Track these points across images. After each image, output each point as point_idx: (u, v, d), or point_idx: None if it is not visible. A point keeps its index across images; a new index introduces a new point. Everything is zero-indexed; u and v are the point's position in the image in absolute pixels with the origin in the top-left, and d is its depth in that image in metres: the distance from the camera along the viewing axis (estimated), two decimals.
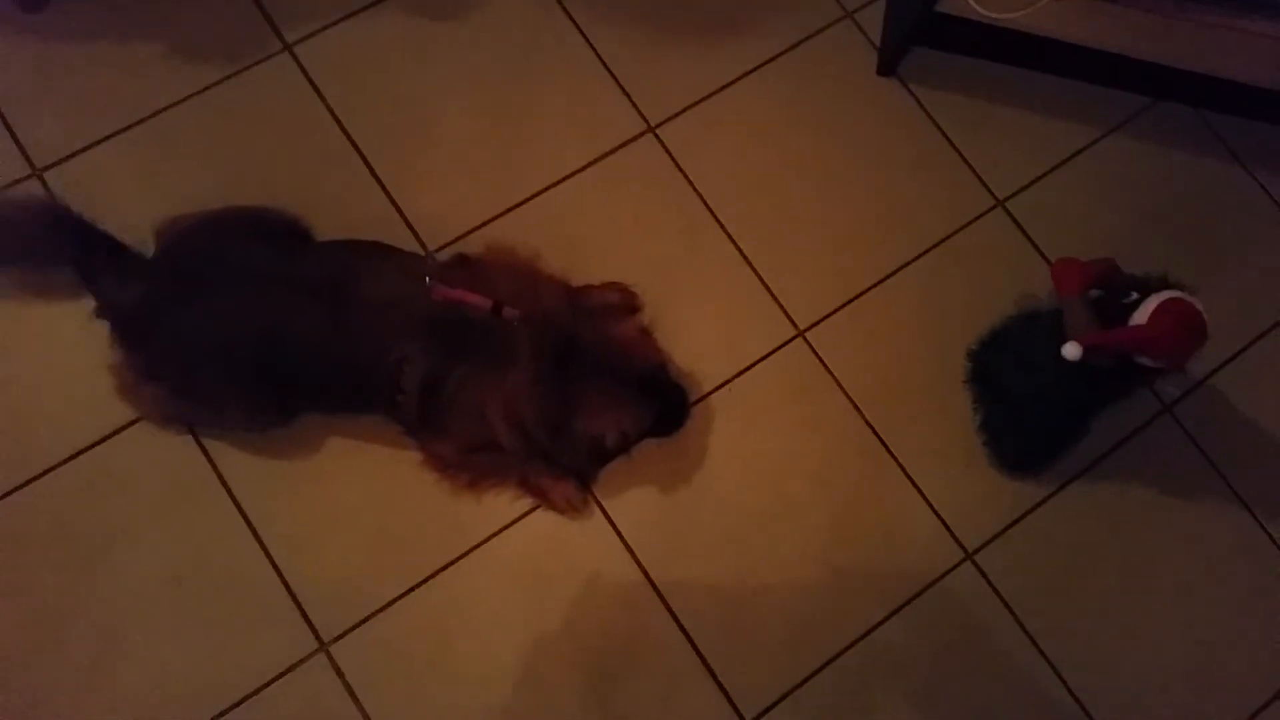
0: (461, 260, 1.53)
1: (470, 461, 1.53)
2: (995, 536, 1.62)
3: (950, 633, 1.57)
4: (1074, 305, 1.43)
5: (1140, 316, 1.38)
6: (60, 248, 1.47)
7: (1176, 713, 1.58)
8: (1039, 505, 1.65)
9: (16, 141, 1.62)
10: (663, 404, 1.52)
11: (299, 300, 1.41)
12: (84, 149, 1.64)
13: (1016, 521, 1.64)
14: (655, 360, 1.52)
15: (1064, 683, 1.56)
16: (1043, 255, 1.76)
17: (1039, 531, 1.64)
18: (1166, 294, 1.38)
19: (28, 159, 1.62)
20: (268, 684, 1.45)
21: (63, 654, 1.43)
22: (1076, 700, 1.56)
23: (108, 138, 1.65)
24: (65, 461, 1.50)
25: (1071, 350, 1.40)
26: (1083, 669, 1.58)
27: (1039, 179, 1.81)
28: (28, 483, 1.49)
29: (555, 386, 1.41)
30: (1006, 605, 1.59)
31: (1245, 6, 1.66)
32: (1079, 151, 1.84)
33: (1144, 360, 1.41)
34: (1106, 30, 1.73)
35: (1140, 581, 1.63)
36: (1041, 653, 1.57)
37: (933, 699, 1.55)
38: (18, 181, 1.60)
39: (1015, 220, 1.78)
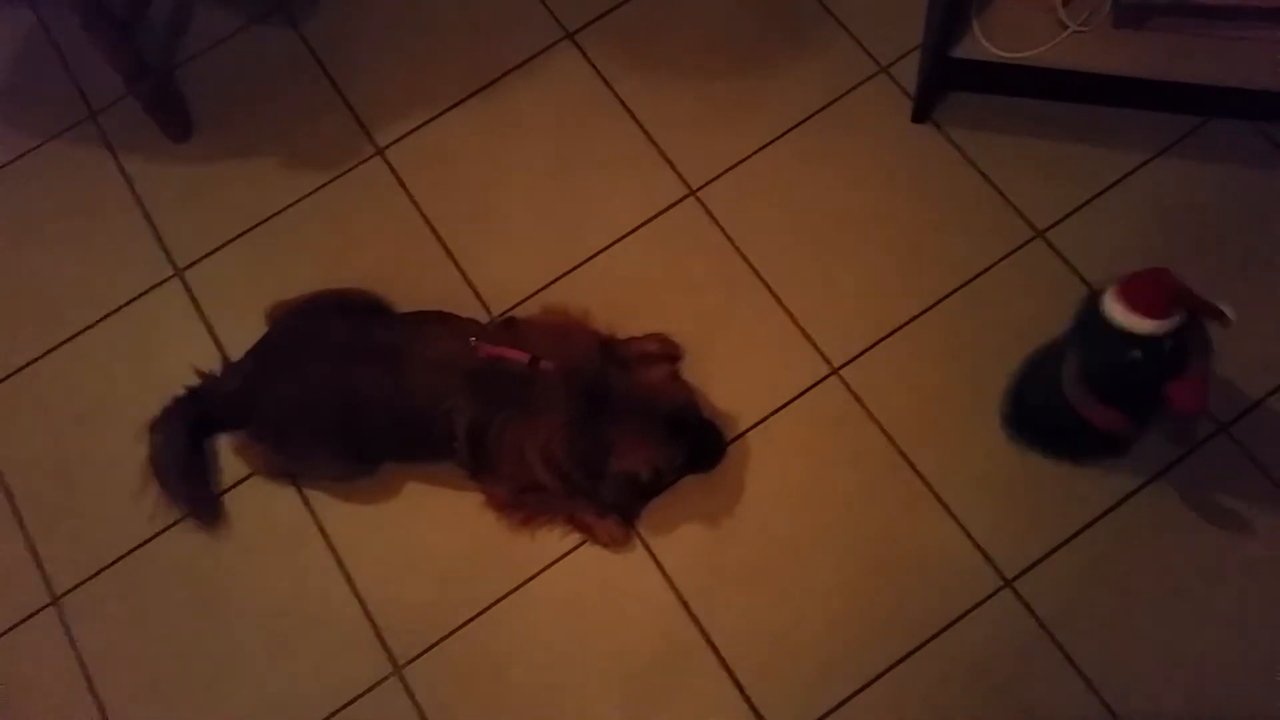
0: (508, 322, 1.74)
1: (522, 501, 1.70)
2: (1035, 564, 1.62)
3: (987, 660, 1.58)
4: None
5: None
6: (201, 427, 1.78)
7: None
8: (1083, 530, 1.63)
9: (164, 247, 1.96)
10: (693, 440, 1.64)
11: (367, 365, 1.63)
12: (215, 250, 1.96)
13: (1058, 548, 1.63)
14: (682, 400, 1.64)
15: (1109, 709, 1.53)
16: (1085, 283, 1.76)
17: (1084, 557, 1.62)
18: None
19: (171, 261, 1.95)
20: (350, 703, 1.64)
21: (187, 677, 1.68)
22: None
23: (234, 239, 1.96)
24: None
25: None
26: (1129, 695, 1.54)
27: (1080, 207, 1.82)
28: (164, 530, 1.77)
29: (585, 429, 1.55)
30: (1047, 632, 1.58)
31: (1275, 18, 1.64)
32: (1124, 177, 1.83)
33: None
34: (1139, 56, 1.72)
35: (1193, 606, 1.58)
36: (1085, 679, 1.55)
37: None
38: (164, 281, 1.94)
39: (1056, 250, 1.80)
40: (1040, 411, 1.63)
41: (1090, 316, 1.41)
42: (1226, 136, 1.84)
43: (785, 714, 1.58)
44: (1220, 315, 1.36)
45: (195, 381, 1.78)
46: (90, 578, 1.75)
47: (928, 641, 1.59)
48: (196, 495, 1.77)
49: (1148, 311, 1.34)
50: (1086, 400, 1.46)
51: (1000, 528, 1.65)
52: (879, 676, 1.58)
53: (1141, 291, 1.35)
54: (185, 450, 1.76)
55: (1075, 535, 1.63)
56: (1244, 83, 1.69)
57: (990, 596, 1.61)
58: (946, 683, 1.58)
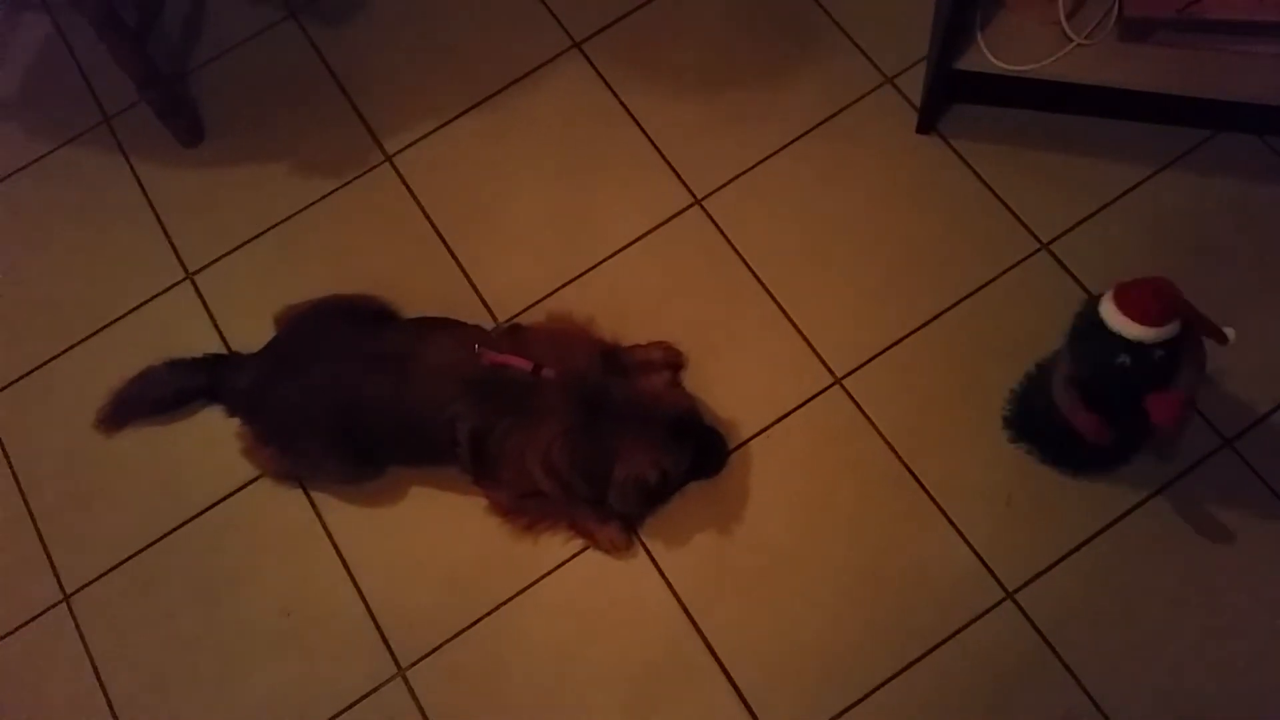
0: (513, 329, 1.75)
1: (525, 506, 1.71)
2: (1038, 575, 1.62)
3: (988, 671, 1.58)
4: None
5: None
6: (189, 394, 1.84)
7: None
8: (1086, 542, 1.63)
9: (175, 251, 1.99)
10: (696, 444, 1.65)
11: (372, 371, 1.66)
12: (225, 254, 1.98)
13: (1061, 560, 1.63)
14: (683, 407, 1.65)
15: None
16: (1089, 295, 1.75)
17: (1086, 570, 1.62)
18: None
19: (183, 265, 1.98)
20: (354, 704, 1.66)
21: (194, 675, 1.70)
22: None
23: (244, 243, 1.99)
24: (202, 512, 1.80)
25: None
26: (1130, 708, 1.54)
27: (1085, 220, 1.82)
28: (174, 530, 1.79)
29: (586, 436, 1.57)
30: (1049, 644, 1.58)
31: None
32: (1130, 189, 1.83)
33: None
34: (1143, 70, 1.72)
35: (1196, 619, 1.58)
36: (1086, 691, 1.55)
37: None
38: (175, 285, 1.97)
39: (1061, 262, 1.80)
40: (1041, 416, 1.63)
41: (1086, 318, 1.42)
42: (1232, 150, 1.84)
43: None
44: (1219, 334, 1.36)
45: (218, 351, 1.87)
46: (100, 576, 1.77)
47: (929, 652, 1.60)
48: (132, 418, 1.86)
49: (1141, 318, 1.34)
50: (1072, 403, 1.46)
51: (1002, 539, 1.65)
52: (880, 686, 1.59)
53: (1138, 297, 1.34)
54: (163, 403, 1.83)
55: (1078, 548, 1.64)
56: (1249, 97, 1.69)
57: (992, 608, 1.61)
58: (947, 694, 1.58)
